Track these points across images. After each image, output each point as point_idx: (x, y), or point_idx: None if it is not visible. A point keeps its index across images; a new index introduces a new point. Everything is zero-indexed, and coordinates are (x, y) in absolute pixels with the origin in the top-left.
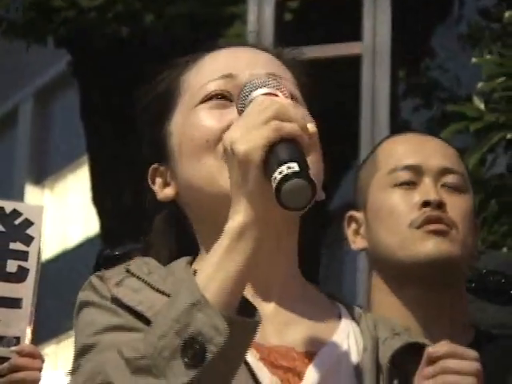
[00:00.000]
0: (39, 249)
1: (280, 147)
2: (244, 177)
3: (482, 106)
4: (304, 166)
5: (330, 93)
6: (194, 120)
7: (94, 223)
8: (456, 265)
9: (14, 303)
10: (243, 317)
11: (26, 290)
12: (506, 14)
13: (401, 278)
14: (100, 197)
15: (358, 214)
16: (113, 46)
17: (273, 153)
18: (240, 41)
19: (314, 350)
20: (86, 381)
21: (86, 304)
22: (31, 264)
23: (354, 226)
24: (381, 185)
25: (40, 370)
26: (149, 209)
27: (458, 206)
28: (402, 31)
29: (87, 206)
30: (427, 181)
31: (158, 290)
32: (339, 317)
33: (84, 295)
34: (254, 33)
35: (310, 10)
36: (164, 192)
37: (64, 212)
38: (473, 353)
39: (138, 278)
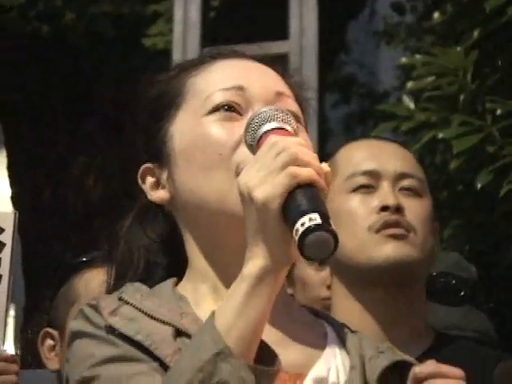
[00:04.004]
0: (11, 255)
1: (298, 194)
2: (263, 224)
3: (411, 106)
4: (325, 216)
5: None
6: (204, 131)
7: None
8: (414, 268)
9: None
10: (264, 364)
11: None
12: (435, 15)
13: (360, 281)
14: (18, 195)
15: None
16: (32, 43)
17: (291, 199)
18: (164, 39)
19: (303, 371)
20: None
21: (79, 335)
22: (4, 270)
23: None
24: (339, 190)
25: (16, 374)
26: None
27: (416, 210)
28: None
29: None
30: (385, 185)
31: (153, 317)
32: (325, 336)
33: (76, 325)
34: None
35: (235, 9)
36: (157, 194)
37: None
38: (458, 372)
39: (132, 305)
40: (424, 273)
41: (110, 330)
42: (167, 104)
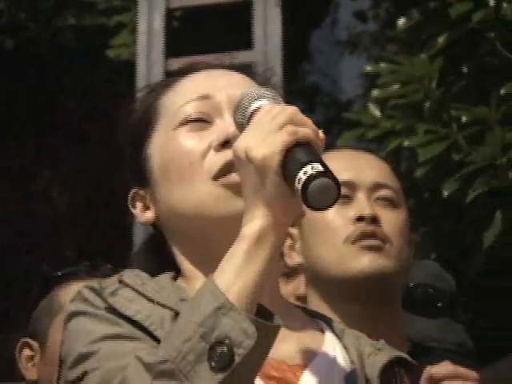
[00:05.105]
0: None
1: (297, 151)
2: (262, 182)
3: (377, 114)
4: (326, 165)
5: None
6: (175, 144)
7: None
8: (391, 279)
9: None
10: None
11: None
12: (400, 22)
13: (337, 293)
14: None
15: (293, 230)
16: None
17: (290, 156)
18: (128, 50)
19: (304, 362)
20: None
21: (77, 314)
22: None
23: (289, 241)
24: None
25: None
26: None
27: (391, 221)
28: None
29: None
30: (361, 196)
31: (152, 301)
32: (322, 331)
33: (74, 306)
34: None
35: (199, 19)
36: (145, 216)
37: None
38: (473, 374)
39: (132, 288)
40: (400, 284)
41: (110, 310)
42: (144, 129)
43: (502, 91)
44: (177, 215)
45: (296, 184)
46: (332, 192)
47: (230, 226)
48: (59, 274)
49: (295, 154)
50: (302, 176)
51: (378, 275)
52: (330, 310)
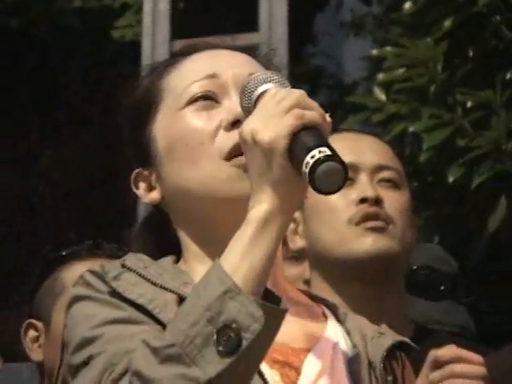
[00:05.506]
0: None
1: (304, 134)
2: (268, 165)
3: (383, 97)
4: (334, 149)
5: None
6: (183, 123)
7: None
8: (394, 260)
9: None
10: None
11: None
12: (406, 6)
13: (340, 275)
14: None
15: (296, 214)
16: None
17: (297, 140)
18: (132, 31)
19: (307, 346)
20: (103, 372)
21: (80, 298)
22: None
23: (292, 225)
24: None
25: None
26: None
27: (394, 202)
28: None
29: None
30: (364, 177)
31: (155, 284)
32: (325, 316)
33: (77, 290)
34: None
35: (204, 0)
36: (149, 196)
37: None
38: (479, 357)
39: (136, 272)
40: (403, 265)
41: (113, 294)
42: (147, 108)
43: (508, 75)
44: (183, 194)
45: (303, 168)
46: (339, 175)
47: (236, 208)
48: (62, 253)
49: (302, 137)
50: (309, 160)
51: (383, 256)
52: (333, 292)
